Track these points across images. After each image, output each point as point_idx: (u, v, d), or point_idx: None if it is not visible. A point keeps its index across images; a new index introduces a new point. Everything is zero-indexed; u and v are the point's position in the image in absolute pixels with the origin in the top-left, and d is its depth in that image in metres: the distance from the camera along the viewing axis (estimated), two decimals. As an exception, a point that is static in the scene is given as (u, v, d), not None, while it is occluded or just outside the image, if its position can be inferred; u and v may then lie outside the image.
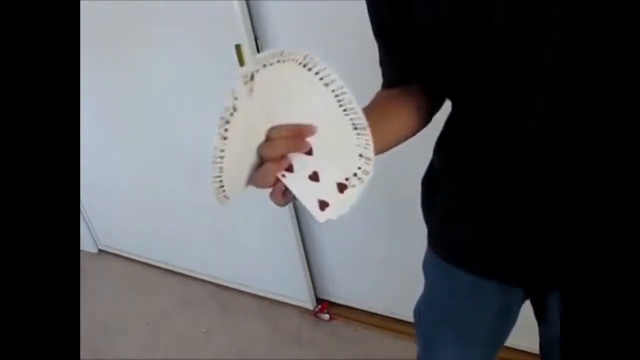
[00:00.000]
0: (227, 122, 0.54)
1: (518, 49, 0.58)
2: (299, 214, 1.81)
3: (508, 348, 1.55)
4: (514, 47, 0.58)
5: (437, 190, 0.83)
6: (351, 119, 0.55)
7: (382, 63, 0.77)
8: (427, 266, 0.93)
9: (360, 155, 0.56)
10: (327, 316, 1.92)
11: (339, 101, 0.55)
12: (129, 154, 2.12)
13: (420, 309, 0.97)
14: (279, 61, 0.53)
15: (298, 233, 1.81)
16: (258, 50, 1.50)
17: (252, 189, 0.57)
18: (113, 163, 2.20)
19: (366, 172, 0.56)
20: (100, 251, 2.57)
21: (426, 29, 0.63)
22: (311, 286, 1.93)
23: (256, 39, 1.49)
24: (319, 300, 1.97)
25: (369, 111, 0.59)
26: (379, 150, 0.63)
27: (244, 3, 1.43)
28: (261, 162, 0.56)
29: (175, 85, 1.76)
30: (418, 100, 0.74)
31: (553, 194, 0.65)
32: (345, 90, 0.54)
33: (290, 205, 1.76)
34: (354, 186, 0.56)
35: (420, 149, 0.84)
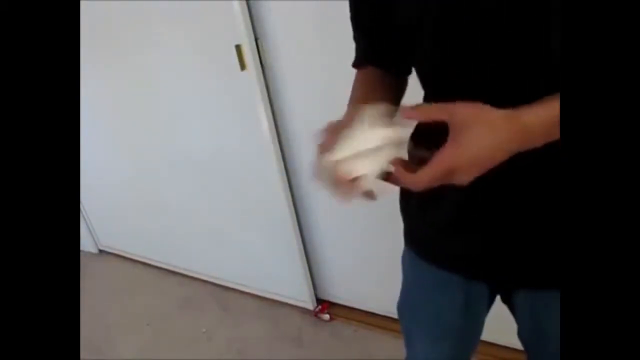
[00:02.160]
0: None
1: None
2: (299, 214, 1.81)
3: (508, 348, 1.55)
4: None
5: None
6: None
7: (357, 42, 0.82)
8: (404, 260, 0.96)
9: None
10: (327, 316, 1.92)
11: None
12: (129, 154, 2.12)
13: (399, 304, 0.99)
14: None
15: (298, 233, 1.81)
16: (258, 50, 1.50)
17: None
18: (113, 163, 2.20)
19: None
20: (100, 251, 2.58)
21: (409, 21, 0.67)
22: (311, 286, 1.93)
23: (256, 39, 1.49)
24: (319, 300, 1.97)
25: (362, 93, 0.72)
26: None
27: (244, 3, 1.43)
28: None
29: (175, 85, 1.76)
30: (389, 79, 0.79)
31: (503, 189, 0.68)
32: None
33: (290, 205, 1.76)
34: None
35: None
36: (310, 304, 1.95)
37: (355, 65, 0.82)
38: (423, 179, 0.56)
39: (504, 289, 0.86)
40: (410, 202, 0.86)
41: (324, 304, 1.95)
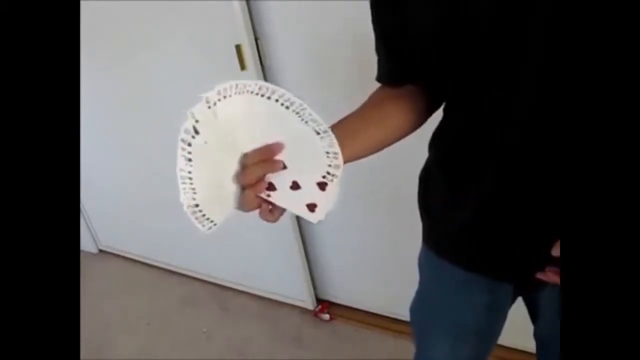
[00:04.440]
0: (189, 144, 0.63)
1: (503, 49, 0.59)
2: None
3: (508, 348, 1.55)
4: (499, 47, 0.59)
5: (429, 184, 0.85)
6: (312, 128, 0.60)
7: (379, 56, 0.77)
8: (422, 260, 0.94)
9: (327, 153, 0.61)
10: (327, 316, 1.92)
11: (299, 116, 0.60)
12: (129, 153, 2.12)
13: (415, 306, 0.97)
14: (236, 93, 0.58)
15: (298, 233, 1.81)
16: (258, 50, 1.50)
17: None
18: (113, 163, 2.20)
19: (337, 166, 0.62)
20: (100, 251, 2.58)
21: (425, 29, 0.64)
22: (311, 286, 1.93)
23: (256, 39, 1.49)
24: (319, 300, 1.97)
25: (351, 117, 0.69)
26: (362, 153, 0.69)
27: (244, 3, 1.43)
28: (242, 188, 0.61)
29: (175, 85, 1.76)
30: (413, 100, 0.75)
31: (533, 193, 0.67)
32: (303, 106, 0.60)
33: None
34: (331, 180, 0.62)
35: (420, 150, 0.85)
36: (310, 304, 1.95)
37: (384, 79, 0.77)
38: None
39: (530, 287, 0.84)
40: (432, 201, 0.85)
41: (324, 304, 1.95)
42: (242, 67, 1.51)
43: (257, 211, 0.65)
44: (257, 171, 0.61)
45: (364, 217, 1.65)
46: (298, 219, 1.80)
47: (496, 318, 0.90)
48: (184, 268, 2.28)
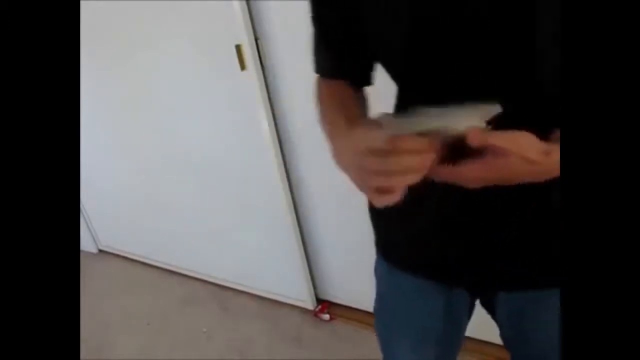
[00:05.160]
0: None
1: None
2: (299, 214, 1.81)
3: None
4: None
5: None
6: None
7: (317, 55, 0.82)
8: (377, 271, 0.97)
9: None
10: (327, 316, 1.92)
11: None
12: (129, 153, 2.12)
13: (376, 312, 0.99)
14: None
15: (298, 233, 1.81)
16: (258, 51, 1.50)
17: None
18: (113, 163, 2.21)
19: None
20: (100, 251, 2.58)
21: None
22: (311, 286, 1.93)
23: (256, 39, 1.49)
24: (319, 300, 1.97)
25: (345, 105, 0.72)
26: None
27: (244, 3, 1.43)
28: None
29: (175, 85, 1.76)
30: (355, 91, 0.79)
31: (475, 202, 0.68)
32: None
33: (290, 205, 1.76)
34: None
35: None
36: (310, 304, 1.95)
37: (321, 75, 0.82)
38: (470, 171, 0.53)
39: (483, 293, 0.86)
40: (383, 212, 0.86)
41: (324, 304, 1.95)
42: (242, 67, 1.51)
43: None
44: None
45: (364, 217, 1.65)
46: (298, 219, 1.81)
47: (456, 321, 0.91)
48: (184, 268, 2.28)
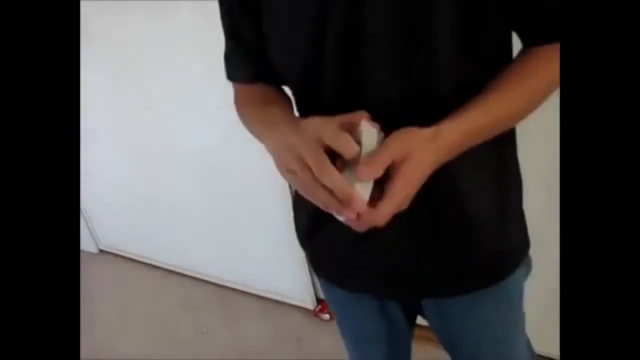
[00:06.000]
0: None
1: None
2: (299, 214, 1.81)
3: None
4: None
5: (298, 207, 0.90)
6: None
7: (233, 62, 0.82)
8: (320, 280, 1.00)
9: None
10: (327, 316, 1.92)
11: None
12: (129, 153, 2.12)
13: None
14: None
15: (298, 233, 1.81)
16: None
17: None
18: (113, 163, 2.20)
19: None
20: (100, 251, 2.57)
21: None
22: (311, 286, 1.93)
23: (256, 39, 1.49)
24: (319, 300, 1.97)
25: (272, 109, 0.74)
26: None
27: (244, 3, 1.43)
28: None
29: (175, 85, 1.76)
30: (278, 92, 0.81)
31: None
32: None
33: (290, 204, 1.76)
34: None
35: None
36: (310, 304, 1.95)
37: (238, 80, 0.83)
38: (388, 211, 0.56)
39: (410, 301, 0.91)
40: (299, 227, 0.89)
41: (324, 304, 1.95)
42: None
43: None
44: None
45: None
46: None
47: (394, 323, 0.94)
48: (184, 268, 2.28)
